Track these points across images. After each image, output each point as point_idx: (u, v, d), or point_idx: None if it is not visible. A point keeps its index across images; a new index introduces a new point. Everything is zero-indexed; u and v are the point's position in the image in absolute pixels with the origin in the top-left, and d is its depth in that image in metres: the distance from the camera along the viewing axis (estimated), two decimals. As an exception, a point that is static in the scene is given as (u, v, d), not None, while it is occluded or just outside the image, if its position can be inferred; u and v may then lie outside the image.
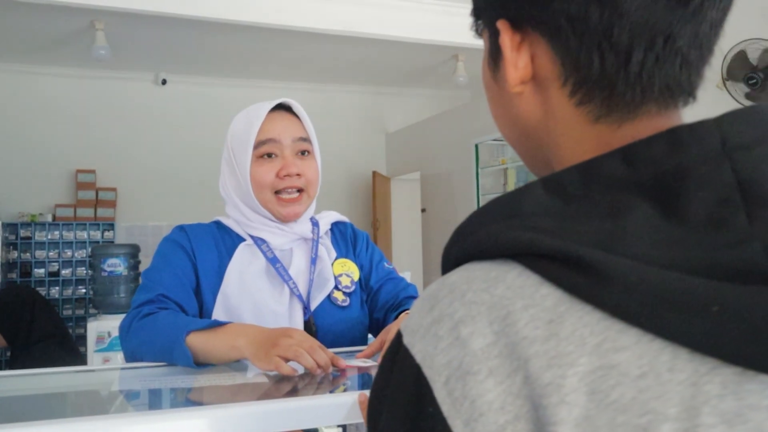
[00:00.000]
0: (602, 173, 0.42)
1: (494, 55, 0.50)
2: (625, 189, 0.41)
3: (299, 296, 1.31)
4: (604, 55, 0.44)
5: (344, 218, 1.50)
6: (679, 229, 0.38)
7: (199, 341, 1.11)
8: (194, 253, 1.31)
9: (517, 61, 0.47)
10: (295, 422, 0.80)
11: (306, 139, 1.34)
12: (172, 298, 1.24)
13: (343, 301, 1.35)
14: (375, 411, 0.44)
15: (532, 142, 0.51)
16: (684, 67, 0.44)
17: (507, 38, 0.48)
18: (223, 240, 1.35)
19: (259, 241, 1.33)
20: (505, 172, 5.86)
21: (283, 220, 1.33)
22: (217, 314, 1.27)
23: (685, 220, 0.38)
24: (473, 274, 0.42)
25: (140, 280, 1.31)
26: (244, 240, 1.34)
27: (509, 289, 0.40)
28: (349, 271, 1.40)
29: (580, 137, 0.47)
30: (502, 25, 0.48)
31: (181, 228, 1.36)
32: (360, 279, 1.42)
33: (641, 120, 0.45)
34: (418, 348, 0.41)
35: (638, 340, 0.36)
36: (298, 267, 1.34)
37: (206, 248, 1.32)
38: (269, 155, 1.30)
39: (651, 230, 0.38)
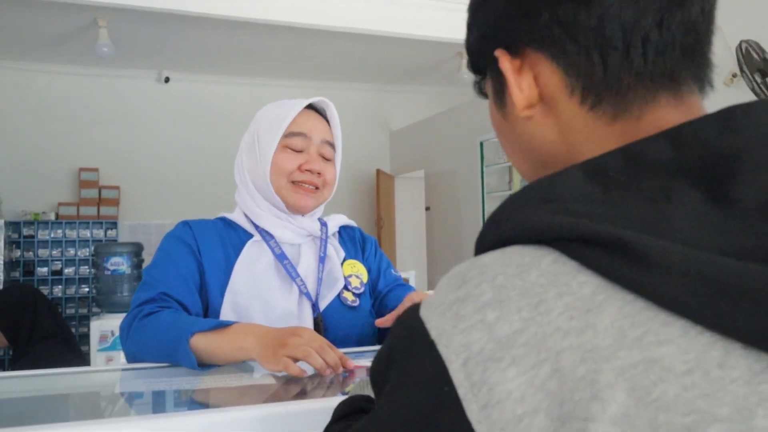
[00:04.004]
0: (647, 157, 0.40)
1: (498, 91, 0.51)
2: (671, 173, 0.38)
3: (307, 294, 1.28)
4: (604, 53, 0.44)
5: (352, 222, 1.49)
6: (730, 215, 0.36)
7: (203, 342, 1.07)
8: (199, 250, 1.28)
9: (521, 83, 0.48)
10: (305, 425, 0.77)
11: (332, 145, 1.34)
12: (174, 296, 1.20)
13: (353, 301, 1.34)
14: (380, 373, 0.44)
15: (551, 169, 0.50)
16: (686, 52, 0.44)
17: (507, 62, 0.49)
18: (228, 236, 1.33)
19: (267, 236, 1.31)
20: (510, 170, 5.83)
21: (292, 209, 1.31)
22: (226, 312, 1.24)
23: (736, 206, 0.36)
24: (508, 257, 0.40)
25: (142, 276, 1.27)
26: (250, 236, 1.32)
27: (543, 275, 0.37)
28: (359, 272, 1.38)
29: (603, 140, 0.46)
30: (499, 53, 0.49)
31: (185, 224, 1.33)
32: (368, 282, 1.40)
33: (661, 110, 0.45)
34: (434, 323, 0.40)
35: (684, 332, 0.33)
36: (307, 264, 1.32)
37: (211, 245, 1.29)
38: (296, 150, 1.30)
39: (699, 216, 0.36)
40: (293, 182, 1.29)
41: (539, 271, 0.38)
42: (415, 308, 0.42)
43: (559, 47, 0.45)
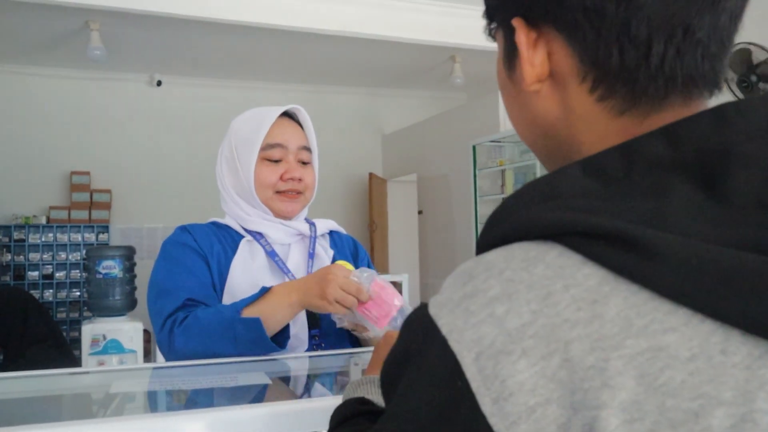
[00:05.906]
0: (644, 153, 0.40)
1: (509, 54, 0.50)
2: (667, 169, 0.39)
3: None
4: (624, 48, 0.43)
5: (342, 229, 1.53)
6: (724, 209, 0.37)
7: (253, 313, 1.14)
8: (203, 250, 1.31)
9: (534, 59, 0.47)
10: (302, 425, 0.77)
11: (308, 149, 1.38)
12: (199, 300, 1.23)
13: None
14: (393, 374, 0.44)
15: (551, 141, 0.50)
16: (706, 58, 0.44)
17: (523, 35, 0.47)
18: (223, 237, 1.36)
19: (257, 236, 1.35)
20: (503, 173, 5.84)
21: (280, 216, 1.36)
22: None
23: (729, 200, 0.37)
24: (512, 253, 0.40)
25: (147, 286, 1.27)
26: (242, 237, 1.35)
27: (549, 268, 0.38)
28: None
29: (605, 132, 0.46)
30: (517, 22, 0.47)
31: (183, 228, 1.36)
32: None
33: (667, 112, 0.44)
34: (444, 320, 0.40)
35: (687, 320, 0.34)
36: (296, 262, 1.36)
37: (211, 244, 1.33)
38: (275, 159, 1.34)
39: (695, 210, 0.37)
40: (278, 192, 1.34)
41: (545, 264, 0.38)
42: (423, 308, 0.42)
43: (580, 34, 0.44)
